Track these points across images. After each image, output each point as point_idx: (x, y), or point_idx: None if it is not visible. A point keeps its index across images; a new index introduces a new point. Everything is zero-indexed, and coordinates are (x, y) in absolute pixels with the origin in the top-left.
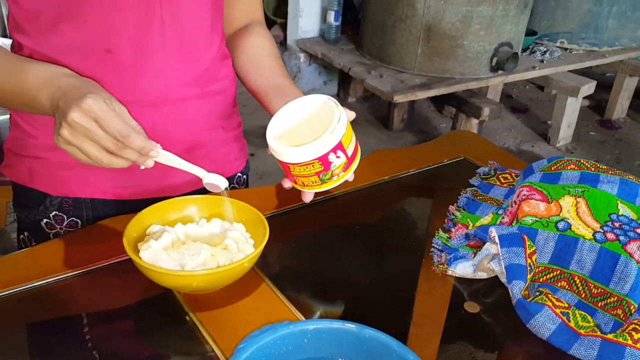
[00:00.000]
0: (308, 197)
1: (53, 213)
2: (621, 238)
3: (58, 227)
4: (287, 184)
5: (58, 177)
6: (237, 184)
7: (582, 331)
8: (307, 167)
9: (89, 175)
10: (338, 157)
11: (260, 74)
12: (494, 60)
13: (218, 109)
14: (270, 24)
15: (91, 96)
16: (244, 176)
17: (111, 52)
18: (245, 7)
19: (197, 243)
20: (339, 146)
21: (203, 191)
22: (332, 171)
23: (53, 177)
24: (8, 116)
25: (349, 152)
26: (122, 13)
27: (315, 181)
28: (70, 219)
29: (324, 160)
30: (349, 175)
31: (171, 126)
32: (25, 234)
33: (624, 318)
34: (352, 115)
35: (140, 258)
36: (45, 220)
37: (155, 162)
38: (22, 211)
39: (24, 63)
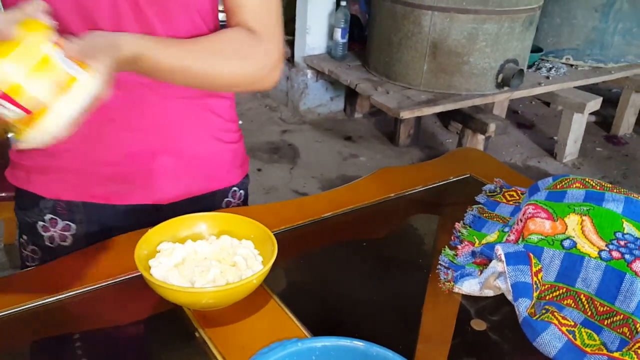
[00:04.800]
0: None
1: (48, 216)
2: (626, 256)
3: (52, 230)
4: None
5: (51, 180)
6: (232, 198)
7: (588, 349)
8: None
9: (80, 179)
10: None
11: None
12: (500, 76)
13: (212, 123)
14: None
15: None
16: (241, 191)
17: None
18: (243, 20)
19: (206, 260)
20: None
21: (195, 201)
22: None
23: (46, 180)
24: None
25: (27, 105)
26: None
27: None
28: (65, 222)
29: None
30: (45, 133)
31: (161, 132)
32: (24, 237)
33: (630, 336)
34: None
35: (151, 275)
36: (41, 223)
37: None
38: (20, 213)
39: None
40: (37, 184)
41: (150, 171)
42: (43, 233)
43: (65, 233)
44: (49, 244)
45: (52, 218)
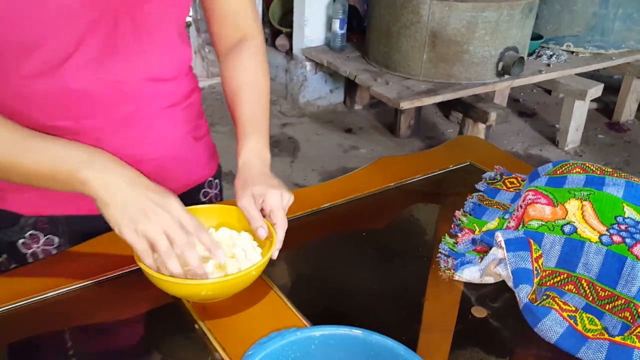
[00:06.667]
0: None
1: (29, 232)
2: (627, 240)
3: (34, 246)
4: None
5: (29, 197)
6: (209, 188)
7: (589, 334)
8: None
9: (62, 193)
10: None
11: (235, 106)
12: (500, 65)
13: (187, 121)
14: (276, 33)
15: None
16: (216, 180)
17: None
18: (234, 24)
19: (205, 252)
20: None
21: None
22: None
23: (24, 198)
24: None
25: None
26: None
27: None
28: (47, 237)
29: None
30: None
31: (145, 142)
32: (4, 256)
33: (631, 320)
34: None
35: (150, 268)
36: (21, 241)
37: None
38: None
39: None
40: (14, 202)
41: None
42: (25, 250)
43: (49, 247)
44: (32, 261)
45: (33, 234)
